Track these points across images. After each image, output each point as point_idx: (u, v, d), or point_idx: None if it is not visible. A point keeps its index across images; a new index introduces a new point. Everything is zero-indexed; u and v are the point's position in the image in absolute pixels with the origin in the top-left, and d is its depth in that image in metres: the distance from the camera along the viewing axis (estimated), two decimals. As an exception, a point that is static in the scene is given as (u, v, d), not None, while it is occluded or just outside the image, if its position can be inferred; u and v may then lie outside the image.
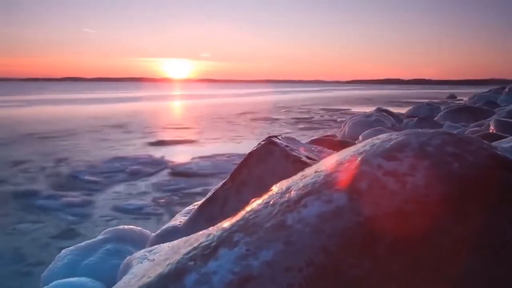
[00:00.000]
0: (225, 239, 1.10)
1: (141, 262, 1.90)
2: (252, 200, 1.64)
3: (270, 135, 2.88)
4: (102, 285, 3.32)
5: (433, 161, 1.17)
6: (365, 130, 10.62)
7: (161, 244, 2.03)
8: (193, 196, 7.73)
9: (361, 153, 1.27)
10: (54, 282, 3.20)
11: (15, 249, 5.88)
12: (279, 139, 2.76)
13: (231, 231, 1.13)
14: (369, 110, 15.29)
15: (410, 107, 19.19)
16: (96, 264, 3.60)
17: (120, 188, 8.53)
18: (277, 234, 1.06)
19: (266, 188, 2.43)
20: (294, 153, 2.49)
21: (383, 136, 1.38)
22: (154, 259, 1.86)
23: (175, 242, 2.02)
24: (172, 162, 10.67)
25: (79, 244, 3.83)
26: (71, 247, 3.84)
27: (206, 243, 1.12)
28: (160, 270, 1.10)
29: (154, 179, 9.19)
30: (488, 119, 11.34)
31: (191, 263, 1.06)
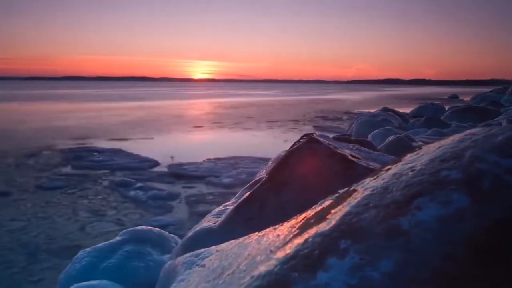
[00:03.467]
0: (330, 246, 0.96)
1: (190, 268, 1.77)
2: (322, 201, 1.50)
3: (306, 133, 2.75)
4: (124, 289, 3.16)
5: (556, 158, 1.04)
6: (373, 129, 10.51)
7: (207, 248, 1.89)
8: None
9: (464, 149, 1.14)
10: (74, 286, 3.04)
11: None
12: (317, 137, 2.62)
13: (333, 236, 0.99)
14: (375, 110, 15.18)
15: (414, 107, 19.10)
16: (115, 267, 3.44)
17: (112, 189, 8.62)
18: (393, 240, 0.92)
19: (311, 188, 2.29)
20: (339, 151, 2.36)
21: (478, 130, 1.26)
22: (204, 265, 1.73)
23: (223, 245, 1.88)
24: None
25: (96, 245, 3.67)
26: (88, 249, 3.67)
27: (305, 251, 0.98)
28: (255, 283, 0.96)
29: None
30: (495, 119, 11.24)
31: (295, 274, 0.92)
